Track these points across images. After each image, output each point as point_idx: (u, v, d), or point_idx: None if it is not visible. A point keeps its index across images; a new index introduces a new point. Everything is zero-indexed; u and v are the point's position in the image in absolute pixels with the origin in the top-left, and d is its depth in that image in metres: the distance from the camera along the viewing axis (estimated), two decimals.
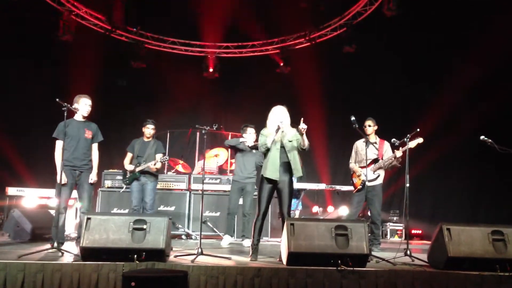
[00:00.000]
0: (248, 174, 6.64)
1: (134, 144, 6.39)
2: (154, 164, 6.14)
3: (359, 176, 6.08)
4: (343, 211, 8.56)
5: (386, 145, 6.14)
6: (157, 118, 6.75)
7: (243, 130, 6.74)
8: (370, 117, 6.18)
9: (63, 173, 4.98)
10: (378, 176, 6.04)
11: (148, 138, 6.36)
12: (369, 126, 6.12)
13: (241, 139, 6.71)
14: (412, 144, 5.56)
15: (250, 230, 6.46)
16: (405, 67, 9.26)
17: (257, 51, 10.84)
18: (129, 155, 6.39)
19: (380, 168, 6.03)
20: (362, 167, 6.04)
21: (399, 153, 5.83)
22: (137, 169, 6.16)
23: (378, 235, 6.06)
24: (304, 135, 4.72)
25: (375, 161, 6.03)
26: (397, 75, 9.41)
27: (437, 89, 8.97)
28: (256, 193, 6.84)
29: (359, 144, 6.21)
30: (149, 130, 6.31)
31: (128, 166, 6.28)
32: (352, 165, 6.27)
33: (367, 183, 5.95)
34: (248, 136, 6.64)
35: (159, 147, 6.38)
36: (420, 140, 5.62)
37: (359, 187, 6.07)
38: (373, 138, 6.17)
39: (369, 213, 6.48)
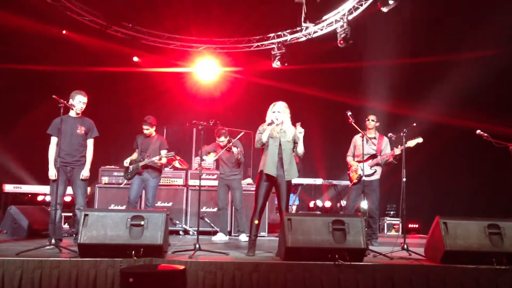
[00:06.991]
0: (232, 171, 6.81)
1: (138, 140, 6.41)
2: (159, 159, 6.15)
3: (355, 170, 6.10)
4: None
5: (385, 141, 6.16)
6: (154, 114, 6.73)
7: (217, 136, 6.86)
8: (372, 113, 6.27)
9: (54, 169, 4.97)
10: (375, 171, 6.05)
11: (147, 136, 6.36)
12: (372, 121, 6.17)
13: (209, 151, 6.99)
14: (411, 143, 5.59)
15: (244, 223, 6.52)
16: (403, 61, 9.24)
17: (254, 46, 10.78)
18: (136, 152, 6.42)
19: (377, 164, 6.04)
20: (359, 162, 6.06)
21: (397, 151, 5.84)
22: (141, 164, 6.15)
23: (376, 229, 6.10)
24: (301, 141, 4.69)
25: (373, 156, 6.04)
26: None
27: (437, 84, 8.96)
28: (244, 187, 6.98)
29: (358, 138, 6.23)
30: (144, 130, 6.32)
31: (125, 162, 6.29)
32: (349, 159, 6.29)
33: (364, 178, 5.96)
34: (222, 143, 6.81)
35: (162, 143, 6.38)
36: (419, 139, 5.61)
37: (355, 181, 6.09)
38: (373, 133, 6.19)
39: (362, 206, 6.51)
